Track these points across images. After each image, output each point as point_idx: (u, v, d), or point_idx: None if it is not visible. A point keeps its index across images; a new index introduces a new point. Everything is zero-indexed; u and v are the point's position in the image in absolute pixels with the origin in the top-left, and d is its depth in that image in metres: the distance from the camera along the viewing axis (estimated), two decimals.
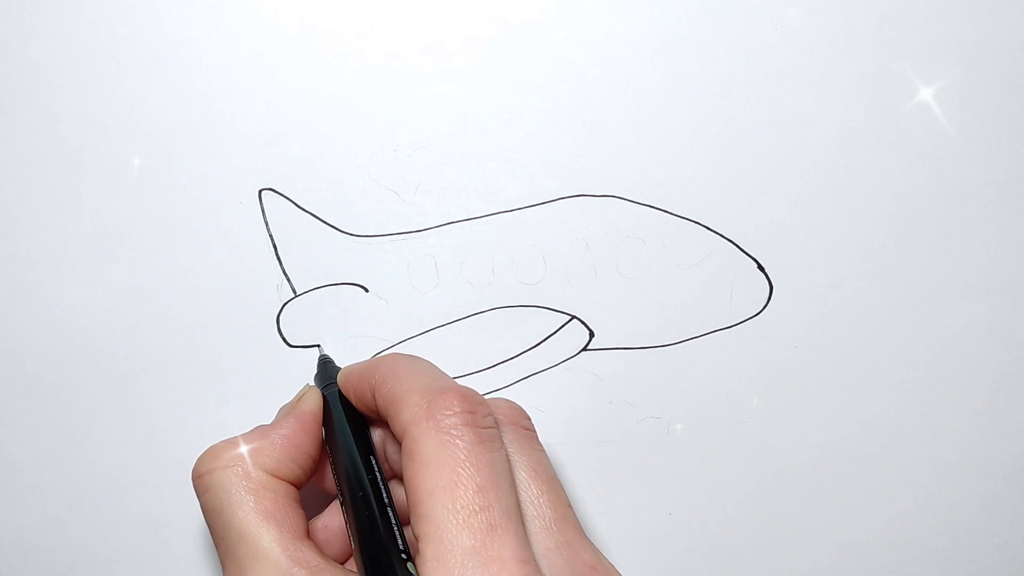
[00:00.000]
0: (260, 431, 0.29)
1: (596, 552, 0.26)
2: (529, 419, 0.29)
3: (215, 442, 0.28)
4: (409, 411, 0.25)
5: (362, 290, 0.35)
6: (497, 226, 0.34)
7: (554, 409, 0.36)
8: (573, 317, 0.35)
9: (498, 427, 0.27)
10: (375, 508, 0.26)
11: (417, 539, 0.24)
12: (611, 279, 0.35)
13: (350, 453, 0.28)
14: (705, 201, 0.34)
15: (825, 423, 0.37)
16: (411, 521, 0.24)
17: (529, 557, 0.23)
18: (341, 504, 0.28)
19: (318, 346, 0.35)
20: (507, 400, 0.29)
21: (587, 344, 0.35)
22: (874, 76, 0.34)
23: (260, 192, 0.34)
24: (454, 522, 0.23)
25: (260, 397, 0.35)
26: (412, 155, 0.34)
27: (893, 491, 0.38)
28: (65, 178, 0.34)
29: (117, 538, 0.36)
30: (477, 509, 0.23)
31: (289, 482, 0.28)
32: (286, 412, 0.30)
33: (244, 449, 0.28)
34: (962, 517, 0.38)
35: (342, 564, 0.27)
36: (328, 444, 0.30)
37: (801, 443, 0.37)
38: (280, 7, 0.33)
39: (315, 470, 0.29)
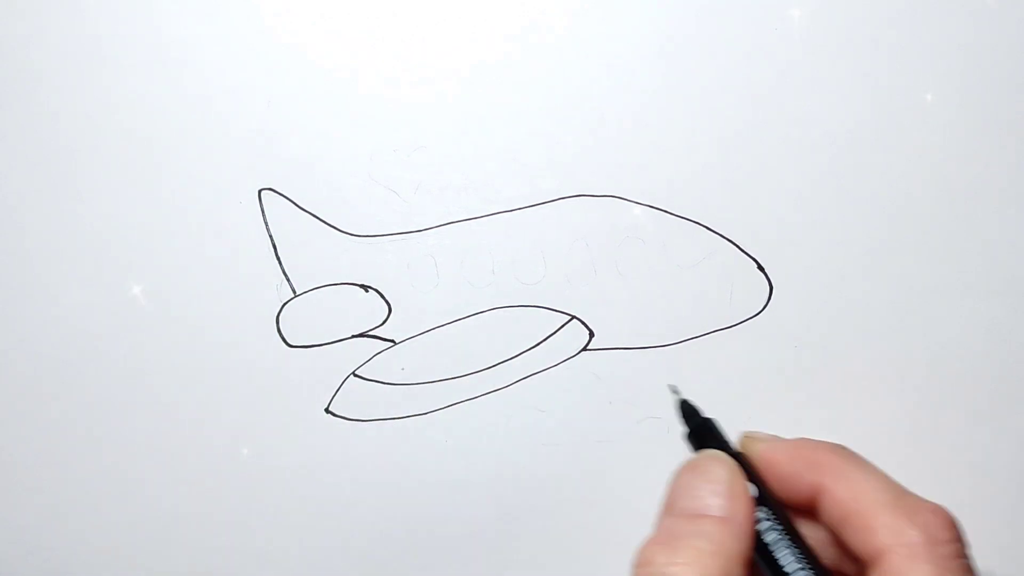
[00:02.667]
0: (715, 523, 0.24)
1: None
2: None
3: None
4: (890, 531, 0.23)
5: (362, 290, 0.35)
6: (497, 226, 0.34)
7: (554, 409, 0.36)
8: (573, 317, 0.35)
9: None
10: None
11: None
12: (611, 279, 0.35)
13: (806, 552, 0.25)
14: (705, 201, 0.34)
15: (825, 423, 0.37)
16: None
17: None
18: None
19: (671, 386, 0.30)
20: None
21: (587, 344, 0.35)
22: (874, 76, 0.34)
23: (260, 192, 0.34)
24: None
25: (260, 397, 0.35)
26: (412, 155, 0.34)
27: None
28: (65, 178, 0.34)
29: (117, 538, 0.36)
30: None
31: None
32: (722, 492, 0.25)
33: (711, 551, 0.23)
34: (962, 517, 0.38)
35: None
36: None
37: None
38: (280, 7, 0.33)
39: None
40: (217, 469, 0.36)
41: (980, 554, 0.39)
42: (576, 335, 0.35)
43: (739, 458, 0.27)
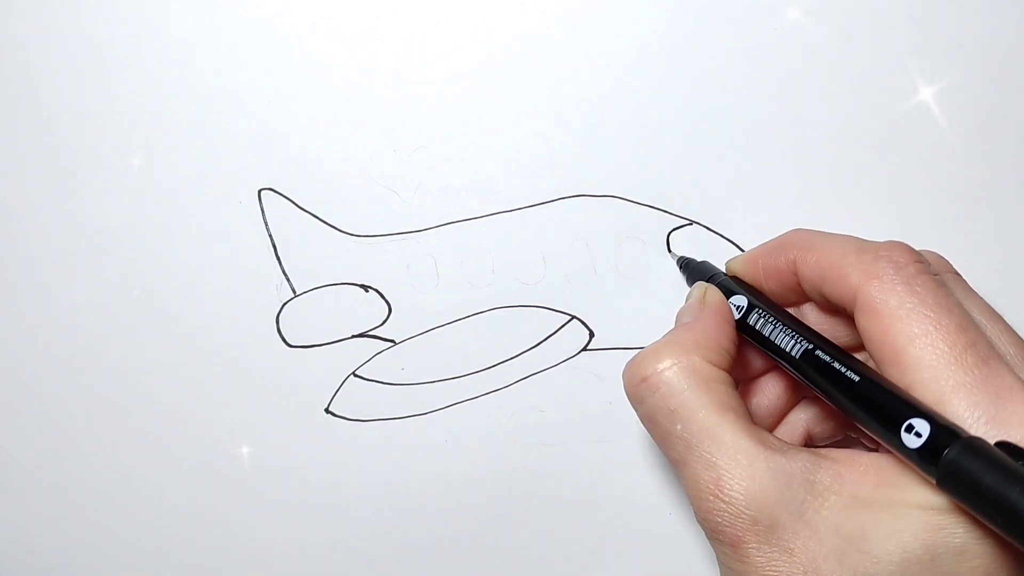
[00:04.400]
0: (683, 328, 0.28)
1: None
2: (951, 265, 0.29)
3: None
4: (858, 271, 0.25)
5: (362, 290, 0.35)
6: (497, 226, 0.34)
7: (554, 409, 0.36)
8: (573, 317, 0.35)
9: None
10: (857, 365, 0.25)
11: (906, 388, 0.24)
12: (611, 279, 0.35)
13: (795, 322, 0.28)
14: (705, 201, 0.34)
15: None
16: (887, 375, 0.24)
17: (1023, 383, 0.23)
18: (801, 378, 0.27)
19: (669, 251, 0.34)
20: (927, 250, 0.29)
21: (587, 344, 0.35)
22: (874, 76, 0.34)
23: (260, 192, 0.34)
24: (946, 362, 0.23)
25: (260, 397, 0.35)
26: (412, 155, 0.34)
27: None
28: (65, 178, 0.34)
29: (117, 538, 0.36)
30: (965, 346, 0.23)
31: (726, 372, 0.27)
32: (697, 310, 0.29)
33: (683, 346, 0.27)
34: None
35: None
36: (747, 330, 0.29)
37: None
38: (280, 7, 0.33)
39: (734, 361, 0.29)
40: (217, 469, 0.36)
41: None
42: (576, 335, 0.35)
43: (724, 280, 0.31)
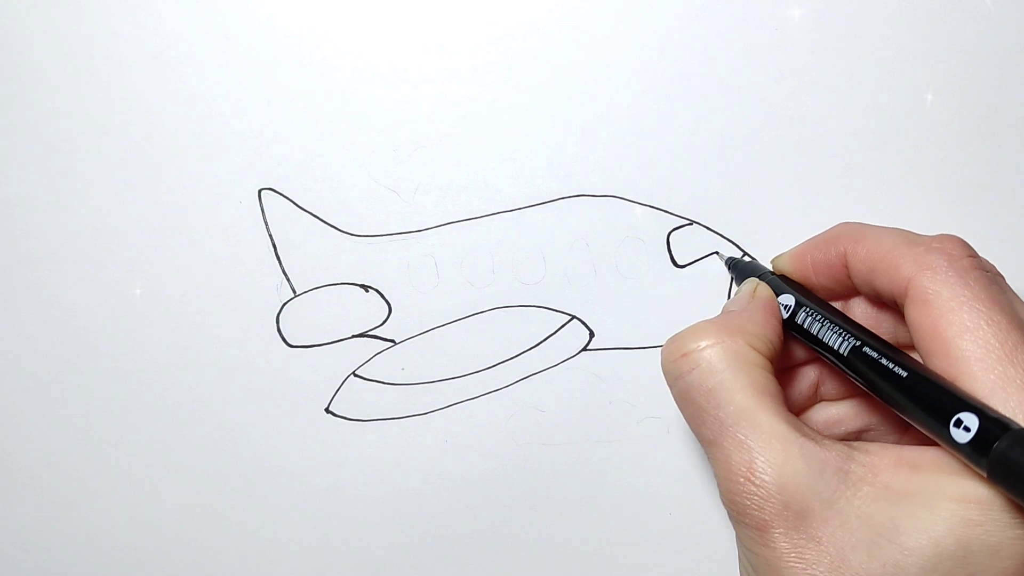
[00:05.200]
0: (731, 314, 0.28)
1: None
2: (994, 266, 0.29)
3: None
4: (911, 262, 0.25)
5: (362, 290, 0.35)
6: (497, 226, 0.34)
7: (554, 409, 0.36)
8: (573, 317, 0.35)
9: None
10: (905, 360, 0.25)
11: (953, 380, 0.24)
12: (611, 279, 0.35)
13: (843, 319, 0.28)
14: (705, 201, 0.34)
15: None
16: (933, 366, 0.24)
17: None
18: (850, 374, 0.27)
19: (717, 253, 0.35)
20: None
21: (587, 344, 0.35)
22: (874, 76, 0.34)
23: (260, 192, 0.34)
24: (997, 357, 0.23)
25: (260, 397, 0.35)
26: (412, 155, 0.34)
27: None
28: (65, 178, 0.34)
29: (117, 538, 0.36)
30: (1016, 344, 0.23)
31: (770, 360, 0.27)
32: (746, 302, 0.29)
33: (728, 328, 0.27)
34: None
35: None
36: (795, 328, 0.29)
37: None
38: (280, 7, 0.33)
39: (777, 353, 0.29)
40: (217, 469, 0.36)
41: None
42: (576, 335, 0.35)
43: (772, 278, 0.31)
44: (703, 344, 0.26)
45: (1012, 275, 0.35)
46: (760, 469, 0.24)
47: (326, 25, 0.33)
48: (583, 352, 0.35)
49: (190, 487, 0.36)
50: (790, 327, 0.29)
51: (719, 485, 0.25)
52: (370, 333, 0.35)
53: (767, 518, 0.24)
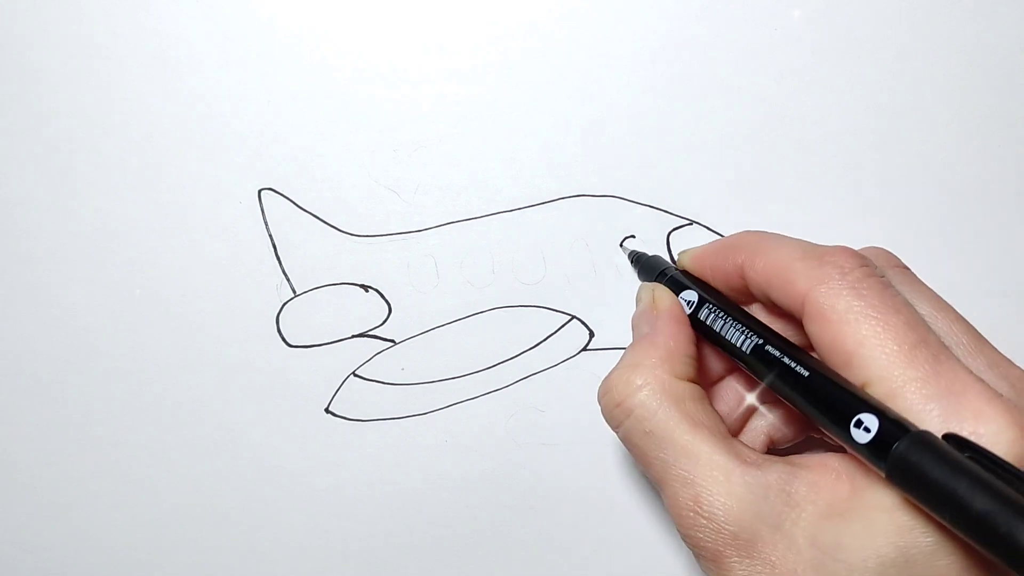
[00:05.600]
0: (646, 342, 0.28)
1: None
2: (899, 259, 0.29)
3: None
4: (805, 277, 0.25)
5: (362, 290, 0.35)
6: (497, 226, 0.34)
7: (554, 409, 0.36)
8: (573, 317, 0.35)
9: None
10: (807, 360, 0.25)
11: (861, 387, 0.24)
12: (611, 279, 0.35)
13: (745, 317, 0.28)
14: (705, 201, 0.34)
15: None
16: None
17: (975, 376, 0.23)
18: (751, 373, 0.27)
19: (622, 245, 0.34)
20: (873, 247, 0.29)
21: (587, 344, 0.35)
22: (874, 76, 0.34)
23: (260, 192, 0.34)
24: (896, 360, 0.23)
25: (260, 397, 0.35)
26: (412, 155, 0.34)
27: None
28: (65, 178, 0.34)
29: (117, 538, 0.36)
30: (915, 343, 0.23)
31: (694, 382, 0.27)
32: (651, 317, 0.29)
33: (650, 364, 0.27)
34: None
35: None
36: (702, 330, 0.29)
37: None
38: (280, 7, 0.33)
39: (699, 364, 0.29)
40: (217, 469, 0.36)
41: None
42: (576, 335, 0.35)
43: (675, 274, 0.31)
44: (632, 389, 0.27)
45: (1011, 274, 0.35)
46: (706, 502, 0.25)
47: (326, 25, 0.33)
48: (583, 352, 0.35)
49: (190, 487, 0.36)
50: (694, 326, 0.29)
51: (674, 521, 0.26)
52: (370, 333, 0.35)
53: (720, 548, 0.25)
